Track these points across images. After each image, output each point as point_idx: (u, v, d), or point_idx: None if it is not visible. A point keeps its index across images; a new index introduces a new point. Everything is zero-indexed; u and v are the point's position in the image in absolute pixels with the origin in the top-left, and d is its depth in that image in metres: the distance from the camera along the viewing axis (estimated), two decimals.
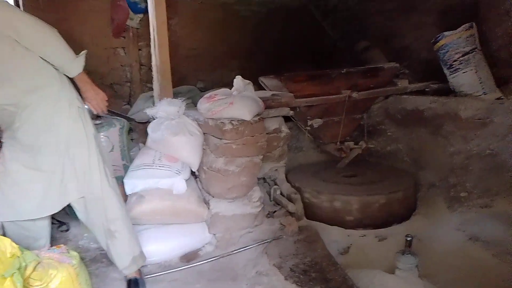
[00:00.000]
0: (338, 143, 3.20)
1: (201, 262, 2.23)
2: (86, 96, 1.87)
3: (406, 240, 2.05)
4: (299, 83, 2.84)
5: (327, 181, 2.92)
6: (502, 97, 2.71)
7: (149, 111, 2.37)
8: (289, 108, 2.69)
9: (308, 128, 3.11)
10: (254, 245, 2.31)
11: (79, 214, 1.94)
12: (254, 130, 2.24)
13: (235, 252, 2.27)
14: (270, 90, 2.94)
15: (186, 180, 2.42)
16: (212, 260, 2.24)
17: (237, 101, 2.22)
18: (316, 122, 3.07)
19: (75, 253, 1.76)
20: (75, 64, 1.78)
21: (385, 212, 2.67)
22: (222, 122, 2.20)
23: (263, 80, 2.96)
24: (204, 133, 2.43)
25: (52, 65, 1.76)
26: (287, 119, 3.05)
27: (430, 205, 2.82)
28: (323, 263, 2.12)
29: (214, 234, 2.36)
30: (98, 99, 1.89)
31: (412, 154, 3.09)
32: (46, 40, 1.71)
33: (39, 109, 1.75)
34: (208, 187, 2.39)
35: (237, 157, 2.25)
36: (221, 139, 2.22)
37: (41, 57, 1.72)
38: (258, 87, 3.13)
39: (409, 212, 2.82)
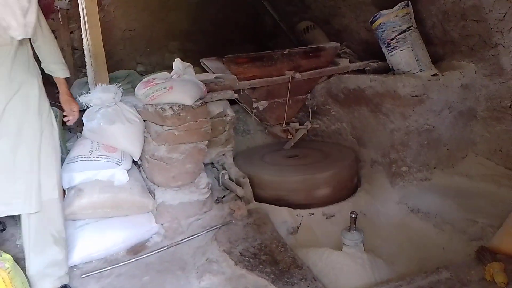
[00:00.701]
0: (284, 124, 3.20)
1: (148, 254, 2.16)
2: (63, 98, 1.94)
3: (351, 217, 2.10)
4: (242, 65, 2.79)
5: (274, 163, 2.93)
6: (438, 73, 2.82)
7: (82, 99, 2.21)
8: (233, 91, 2.64)
9: (254, 110, 3.07)
10: (203, 232, 2.26)
11: None
12: (196, 115, 2.17)
13: (183, 241, 2.22)
14: (213, 73, 2.86)
15: (128, 170, 2.31)
16: (160, 251, 2.17)
17: (176, 86, 2.13)
18: (261, 104, 3.04)
19: (8, 256, 1.64)
20: (65, 67, 1.90)
21: (331, 189, 2.73)
22: (162, 108, 2.11)
23: (205, 62, 2.87)
24: (144, 120, 2.32)
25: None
26: (233, 102, 3.00)
27: (373, 181, 2.92)
28: (272, 245, 2.12)
29: (162, 224, 2.29)
30: (73, 105, 1.95)
31: (355, 132, 3.16)
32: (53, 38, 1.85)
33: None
34: (152, 177, 2.30)
35: (180, 144, 2.17)
36: (162, 125, 2.13)
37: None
38: (202, 69, 3.04)
39: (354, 189, 2.89)
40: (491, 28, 2.74)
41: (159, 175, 2.23)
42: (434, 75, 2.78)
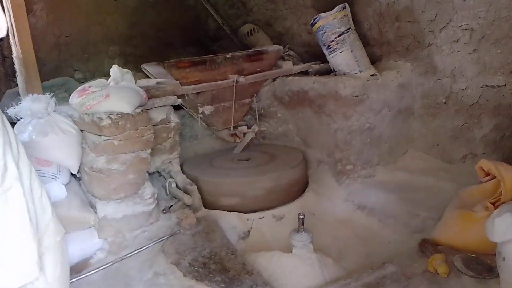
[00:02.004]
0: (231, 128, 3.18)
1: (91, 272, 2.04)
2: None
3: (299, 218, 2.11)
4: (184, 69, 2.72)
5: (223, 168, 2.89)
6: (376, 73, 2.91)
7: (11, 111, 2.05)
8: (176, 96, 2.57)
9: (200, 115, 3.02)
10: (150, 245, 2.18)
11: None
12: (137, 123, 2.08)
13: (129, 255, 2.12)
14: (155, 78, 2.77)
15: (66, 184, 2.18)
16: (103, 268, 2.06)
17: (113, 93, 2.03)
18: (207, 109, 3.00)
19: None
20: None
21: (280, 191, 2.74)
22: (99, 117, 2.00)
23: (146, 67, 2.78)
24: (81, 131, 2.19)
25: None
26: (178, 107, 2.93)
27: (320, 181, 2.96)
28: (222, 252, 2.08)
29: (105, 239, 2.18)
30: None
31: (301, 133, 3.20)
32: None
33: None
34: (92, 189, 2.18)
35: (120, 154, 2.07)
36: (100, 135, 2.02)
37: None
38: (145, 75, 2.94)
39: (302, 189, 2.92)
40: (424, 29, 2.88)
41: (100, 188, 2.11)
42: (373, 75, 2.88)
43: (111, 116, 2.01)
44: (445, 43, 2.79)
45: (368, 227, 2.57)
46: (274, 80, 3.22)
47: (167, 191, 2.57)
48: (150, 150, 2.22)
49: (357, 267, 2.14)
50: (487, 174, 2.10)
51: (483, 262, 1.85)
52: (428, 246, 2.00)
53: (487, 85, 2.69)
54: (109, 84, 2.15)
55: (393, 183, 2.84)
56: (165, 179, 2.63)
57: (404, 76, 3.00)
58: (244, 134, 3.17)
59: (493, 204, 1.96)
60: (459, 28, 2.70)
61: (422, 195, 2.63)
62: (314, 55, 3.46)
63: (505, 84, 2.60)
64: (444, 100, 2.93)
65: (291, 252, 2.14)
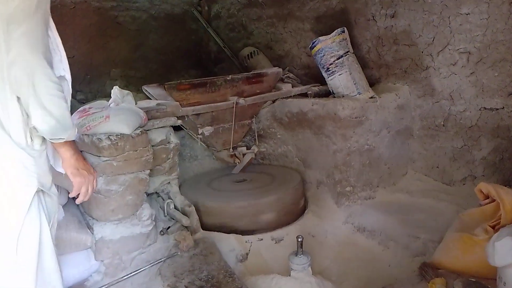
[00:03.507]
0: (231, 149, 3.19)
1: None
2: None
3: (297, 241, 2.09)
4: (184, 91, 2.75)
5: (221, 190, 2.88)
6: (375, 95, 2.94)
7: None
8: (176, 118, 2.59)
9: (200, 136, 3.03)
10: (147, 267, 2.15)
11: None
12: (136, 144, 2.09)
13: (125, 278, 2.09)
14: (156, 99, 2.80)
15: (64, 205, 2.17)
16: None
17: (114, 114, 2.05)
18: (207, 130, 3.01)
19: None
20: None
21: (279, 213, 2.72)
22: (98, 138, 2.01)
23: (147, 89, 2.81)
24: (81, 151, 2.20)
25: None
26: (178, 128, 2.95)
27: (320, 202, 2.95)
28: (220, 275, 2.05)
29: (102, 261, 2.15)
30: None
31: (300, 154, 3.20)
32: None
33: None
34: (89, 210, 2.17)
35: (119, 175, 2.07)
36: (99, 156, 2.02)
37: None
38: (146, 96, 2.98)
39: (301, 211, 2.91)
40: (422, 52, 2.92)
41: (98, 209, 2.10)
42: (371, 97, 2.90)
43: (110, 137, 2.02)
44: (443, 66, 2.83)
45: (368, 250, 2.54)
46: (273, 101, 3.24)
47: (165, 212, 2.56)
48: (149, 171, 2.22)
49: None
50: (487, 196, 2.09)
51: (484, 287, 1.82)
52: (428, 270, 1.97)
53: (485, 108, 2.71)
54: (109, 105, 2.17)
55: (393, 204, 2.83)
56: (163, 200, 2.62)
57: (403, 98, 3.02)
58: (244, 155, 3.17)
59: (493, 227, 1.95)
60: (456, 52, 2.74)
61: (422, 217, 2.61)
62: (313, 77, 3.50)
63: (503, 107, 2.62)
64: (442, 122, 2.95)
65: (289, 275, 2.12)
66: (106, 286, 2.05)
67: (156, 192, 2.72)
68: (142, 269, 2.12)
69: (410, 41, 2.97)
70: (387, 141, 2.98)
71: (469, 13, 2.62)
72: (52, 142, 1.44)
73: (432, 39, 2.85)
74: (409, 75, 3.04)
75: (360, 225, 2.69)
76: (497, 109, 2.64)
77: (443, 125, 2.95)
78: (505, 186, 2.12)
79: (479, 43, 2.62)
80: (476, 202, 2.18)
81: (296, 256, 2.09)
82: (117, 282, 2.07)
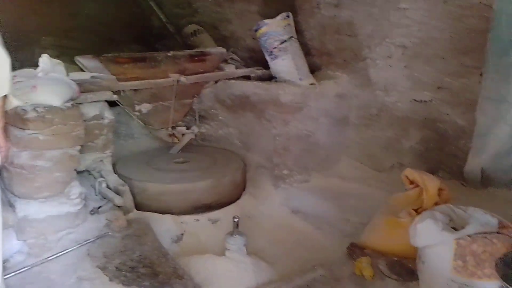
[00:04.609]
0: (169, 128, 3.10)
1: (6, 276, 1.87)
2: None
3: (233, 221, 2.10)
4: (122, 65, 2.62)
5: (159, 170, 2.81)
6: (315, 82, 3.00)
7: None
8: (111, 92, 2.46)
9: (137, 113, 2.92)
10: (75, 247, 2.05)
11: None
12: (66, 118, 1.96)
13: (50, 258, 1.97)
14: (90, 72, 2.64)
15: None
16: (21, 272, 1.90)
17: (42, 84, 1.90)
18: (145, 107, 2.90)
19: None
20: None
21: (216, 194, 2.71)
22: (23, 109, 1.86)
23: (81, 60, 2.63)
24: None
25: None
26: (114, 104, 2.81)
27: (258, 184, 2.98)
28: (153, 256, 2.01)
29: (25, 241, 2.02)
30: None
31: (241, 137, 3.21)
32: None
33: None
34: (12, 187, 2.01)
35: (46, 150, 1.94)
36: (24, 129, 1.87)
37: None
38: (80, 69, 2.79)
39: (239, 192, 2.92)
40: (361, 43, 3.01)
41: (21, 186, 1.96)
42: (312, 84, 2.96)
43: (37, 108, 1.87)
44: (380, 58, 2.94)
45: (302, 231, 2.62)
46: (216, 82, 3.20)
47: (97, 191, 2.45)
48: (80, 147, 2.10)
49: (290, 270, 2.16)
50: (412, 182, 2.23)
51: (405, 266, 1.95)
52: (355, 250, 2.08)
53: (415, 100, 2.87)
54: (37, 74, 2.01)
55: (327, 189, 2.93)
56: (95, 178, 2.50)
57: (342, 86, 3.11)
58: (183, 135, 3.11)
59: (416, 211, 2.09)
60: (393, 45, 2.86)
61: (354, 201, 2.74)
62: (257, 61, 3.49)
63: (432, 100, 2.79)
64: (376, 112, 3.08)
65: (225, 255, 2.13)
66: (29, 267, 1.92)
67: (88, 170, 2.59)
68: (69, 250, 2.02)
69: (351, 32, 3.05)
70: (325, 128, 3.07)
71: (407, 8, 2.73)
72: None
73: (372, 31, 2.95)
74: (349, 64, 3.13)
75: (295, 207, 2.76)
76: (426, 101, 2.81)
77: (377, 115, 3.09)
78: (430, 173, 2.28)
79: (414, 38, 2.75)
80: (403, 187, 2.32)
81: (231, 236, 2.11)
82: (42, 263, 1.95)
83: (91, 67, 2.62)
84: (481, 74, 2.44)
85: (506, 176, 2.49)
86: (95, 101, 2.34)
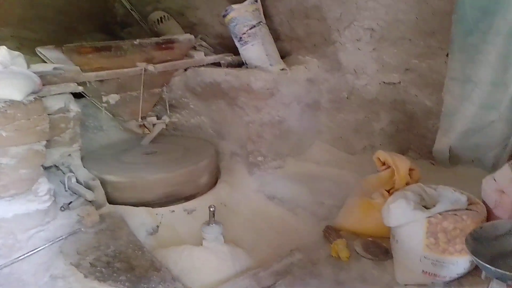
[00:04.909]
0: (139, 119, 3.03)
1: None
2: None
3: (210, 210, 2.09)
4: (86, 55, 2.52)
5: (130, 162, 2.75)
6: (286, 68, 2.99)
7: None
8: (76, 84, 2.37)
9: (105, 105, 2.83)
10: (46, 245, 1.98)
11: None
12: (29, 112, 1.87)
13: (21, 258, 1.91)
14: (53, 63, 2.53)
15: None
16: None
17: (2, 78, 1.80)
18: (113, 98, 2.81)
19: None
20: None
21: (191, 184, 2.68)
22: None
23: (42, 51, 2.51)
24: None
25: None
26: (80, 96, 2.72)
27: (233, 172, 2.97)
28: (128, 250, 1.98)
29: None
30: None
31: (214, 125, 3.17)
32: None
33: None
34: None
35: (10, 147, 1.85)
36: None
37: None
38: (41, 60, 2.67)
39: (214, 181, 2.90)
40: (330, 27, 3.01)
41: None
42: (282, 69, 2.94)
43: None
44: (349, 41, 2.96)
45: (278, 217, 2.63)
46: (186, 70, 3.14)
47: (66, 186, 2.37)
48: (45, 142, 2.02)
49: (268, 256, 2.18)
50: (384, 164, 2.28)
51: (380, 245, 2.00)
52: (331, 232, 2.11)
53: (384, 82, 2.92)
54: None
55: (301, 174, 2.96)
56: (63, 173, 2.42)
57: (312, 71, 3.12)
58: (154, 125, 3.04)
59: (388, 191, 2.13)
60: (361, 28, 2.87)
61: (328, 185, 2.78)
62: (227, 47, 3.45)
63: (400, 82, 2.84)
64: (347, 95, 3.11)
65: (202, 245, 2.12)
66: None
67: (56, 165, 2.50)
68: (40, 248, 1.95)
69: (319, 16, 3.04)
70: (297, 113, 3.08)
71: None
72: None
73: (340, 14, 2.95)
74: (318, 49, 3.14)
75: (270, 193, 2.78)
76: (394, 83, 2.86)
77: (347, 98, 3.12)
78: (400, 154, 2.33)
79: (381, 20, 2.78)
80: (375, 169, 2.37)
81: (208, 225, 2.10)
82: (12, 264, 1.88)
83: (53, 58, 2.51)
84: (447, 55, 2.49)
85: (473, 154, 2.58)
86: (59, 94, 2.25)
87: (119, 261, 1.89)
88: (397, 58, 2.80)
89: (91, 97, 2.82)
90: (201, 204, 2.67)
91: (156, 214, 2.52)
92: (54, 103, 2.20)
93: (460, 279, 1.70)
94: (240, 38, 2.93)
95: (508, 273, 1.28)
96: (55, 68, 2.33)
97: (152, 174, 2.60)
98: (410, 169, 2.19)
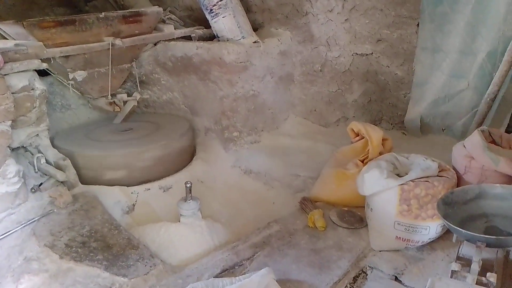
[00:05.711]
0: (109, 96, 2.93)
1: None
2: None
3: (186, 187, 2.08)
4: (49, 29, 2.39)
5: (102, 140, 2.68)
6: (258, 40, 2.94)
7: None
8: (40, 60, 2.26)
9: (72, 82, 2.72)
10: (18, 228, 1.93)
11: None
12: None
13: None
14: (14, 39, 2.39)
15: None
16: None
17: None
18: (79, 75, 2.70)
19: None
20: None
21: (166, 161, 2.65)
22: None
23: (1, 26, 2.36)
24: None
25: None
26: (45, 73, 2.59)
27: (208, 148, 2.95)
28: (104, 229, 1.95)
29: None
30: None
31: (187, 101, 3.11)
32: None
33: None
34: None
35: None
36: None
37: None
38: (2, 37, 2.52)
39: (190, 158, 2.88)
40: None
41: None
42: (255, 41, 2.89)
43: None
44: (321, 12, 2.93)
45: (255, 191, 2.66)
46: (155, 44, 3.04)
47: (36, 167, 2.29)
48: (11, 122, 1.94)
49: (246, 229, 2.20)
50: (357, 135, 2.31)
51: (355, 214, 2.05)
52: (307, 203, 2.14)
53: (357, 53, 2.92)
54: None
55: (277, 147, 2.97)
56: (32, 154, 2.33)
57: (285, 43, 3.08)
58: (125, 102, 2.96)
59: (362, 161, 2.17)
60: None
61: (302, 157, 2.80)
62: (197, 20, 3.36)
63: (372, 53, 2.85)
64: (320, 68, 3.11)
65: (179, 221, 2.11)
66: None
67: (24, 146, 2.41)
68: (12, 231, 1.91)
69: None
70: (271, 87, 3.06)
71: None
72: None
73: None
74: (290, 20, 3.10)
75: (247, 168, 2.78)
76: (367, 54, 2.87)
77: (321, 71, 3.12)
78: (373, 124, 2.36)
79: None
80: (348, 140, 2.40)
81: (185, 202, 2.09)
82: None
83: (13, 34, 2.37)
84: (417, 25, 2.51)
85: (443, 122, 2.65)
86: (22, 71, 2.13)
87: (95, 240, 1.86)
88: (368, 28, 2.80)
89: (57, 74, 2.70)
90: (177, 181, 2.64)
91: (132, 192, 2.48)
92: (18, 81, 2.09)
93: (432, 243, 1.77)
94: (211, 10, 2.85)
95: (477, 234, 1.34)
96: (16, 44, 2.20)
97: (125, 152, 2.55)
98: (383, 139, 2.23)
